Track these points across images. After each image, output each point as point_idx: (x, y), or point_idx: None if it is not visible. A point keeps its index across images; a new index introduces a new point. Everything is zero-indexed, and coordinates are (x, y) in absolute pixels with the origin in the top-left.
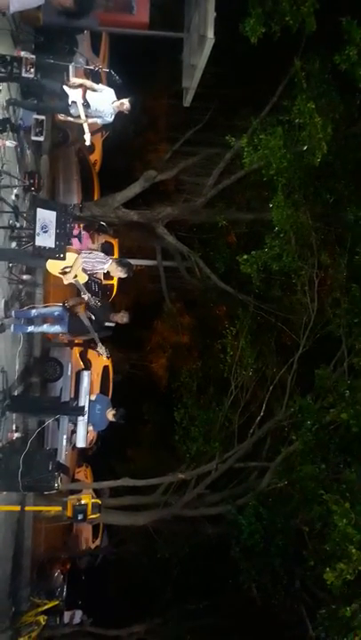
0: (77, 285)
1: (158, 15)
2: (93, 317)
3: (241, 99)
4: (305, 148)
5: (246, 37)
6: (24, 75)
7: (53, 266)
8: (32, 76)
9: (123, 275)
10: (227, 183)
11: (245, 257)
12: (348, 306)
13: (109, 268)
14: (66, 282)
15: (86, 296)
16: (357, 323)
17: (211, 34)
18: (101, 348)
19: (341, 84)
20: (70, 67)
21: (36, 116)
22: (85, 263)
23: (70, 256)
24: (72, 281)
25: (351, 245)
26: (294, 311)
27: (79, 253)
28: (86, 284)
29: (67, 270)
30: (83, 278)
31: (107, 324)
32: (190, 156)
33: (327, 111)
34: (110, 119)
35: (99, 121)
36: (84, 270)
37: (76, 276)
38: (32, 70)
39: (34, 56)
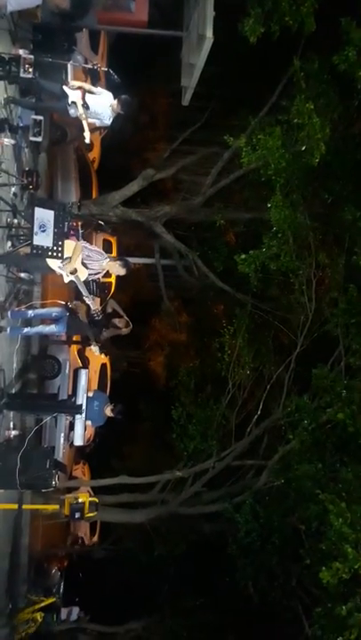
0: (77, 283)
1: (157, 14)
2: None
3: (240, 98)
4: (303, 148)
5: (245, 37)
6: (22, 75)
7: (53, 260)
8: (30, 75)
9: (122, 272)
10: (225, 182)
11: (243, 256)
12: (346, 306)
13: (108, 265)
14: (66, 278)
15: (88, 299)
16: (355, 323)
17: (210, 33)
18: (95, 346)
19: (340, 84)
20: (69, 65)
21: (34, 117)
22: (84, 255)
23: (69, 244)
24: (72, 278)
25: (349, 245)
26: (292, 310)
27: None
28: (86, 284)
29: (66, 263)
30: (83, 274)
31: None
32: (189, 154)
33: (326, 111)
34: (108, 122)
35: (97, 123)
36: (84, 265)
37: (75, 271)
38: (30, 70)
39: (32, 56)
